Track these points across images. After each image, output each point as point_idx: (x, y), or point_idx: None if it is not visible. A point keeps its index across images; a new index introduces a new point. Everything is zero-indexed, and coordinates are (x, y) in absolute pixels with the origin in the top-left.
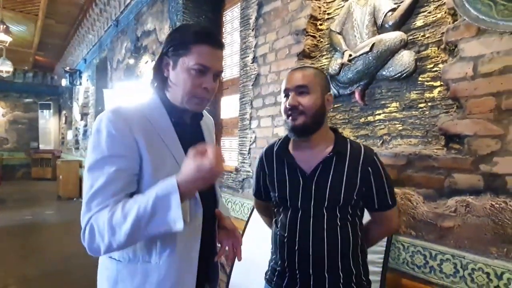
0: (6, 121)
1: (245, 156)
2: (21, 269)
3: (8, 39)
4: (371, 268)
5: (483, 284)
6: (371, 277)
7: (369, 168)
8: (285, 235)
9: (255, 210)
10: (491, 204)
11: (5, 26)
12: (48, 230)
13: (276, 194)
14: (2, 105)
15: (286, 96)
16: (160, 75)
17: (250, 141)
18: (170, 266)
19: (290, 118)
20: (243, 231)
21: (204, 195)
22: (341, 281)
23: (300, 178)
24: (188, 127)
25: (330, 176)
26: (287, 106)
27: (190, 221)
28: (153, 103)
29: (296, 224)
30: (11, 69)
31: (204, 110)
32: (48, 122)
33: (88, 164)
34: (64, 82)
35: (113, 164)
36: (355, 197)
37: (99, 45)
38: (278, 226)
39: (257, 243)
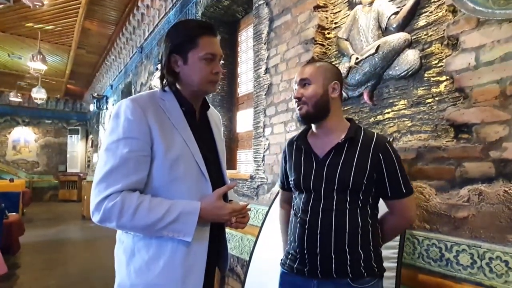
0: (38, 146)
1: (259, 164)
2: (45, 280)
3: (44, 67)
4: (385, 264)
5: (503, 273)
6: (385, 273)
7: (380, 155)
8: (299, 214)
9: (268, 216)
10: (504, 190)
11: (42, 56)
12: (71, 246)
13: (292, 178)
14: (35, 131)
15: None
16: (171, 72)
17: (264, 148)
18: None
19: (297, 108)
20: (257, 236)
21: (214, 176)
22: (348, 263)
23: (314, 162)
24: (196, 116)
25: (341, 160)
26: (293, 98)
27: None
28: (166, 94)
29: (308, 204)
30: (45, 96)
31: (212, 106)
32: (76, 146)
33: (105, 144)
34: (92, 107)
35: (126, 145)
36: (365, 182)
37: (125, 71)
38: (294, 208)
39: (270, 249)
